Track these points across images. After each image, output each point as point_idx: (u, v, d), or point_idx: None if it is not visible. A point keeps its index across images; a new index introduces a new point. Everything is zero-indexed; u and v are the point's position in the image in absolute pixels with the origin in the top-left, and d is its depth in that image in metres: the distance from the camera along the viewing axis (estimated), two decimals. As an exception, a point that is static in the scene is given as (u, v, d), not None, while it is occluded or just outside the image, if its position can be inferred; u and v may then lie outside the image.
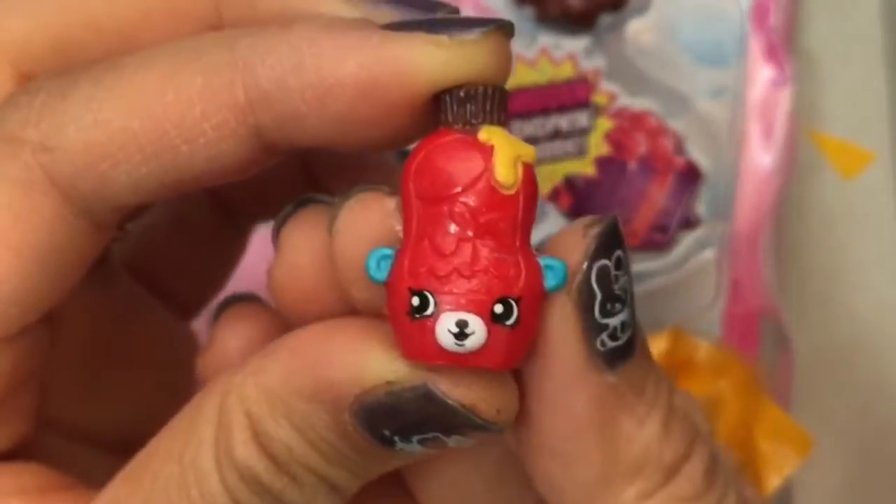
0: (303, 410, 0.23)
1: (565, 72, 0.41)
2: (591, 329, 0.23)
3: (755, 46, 0.43)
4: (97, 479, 0.26)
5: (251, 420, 0.24)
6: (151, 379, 0.31)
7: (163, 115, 0.23)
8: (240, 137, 0.24)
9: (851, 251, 0.45)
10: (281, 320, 0.26)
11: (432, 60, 0.22)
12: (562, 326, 0.23)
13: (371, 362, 0.23)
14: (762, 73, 0.43)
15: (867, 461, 0.45)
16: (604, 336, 0.23)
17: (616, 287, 0.23)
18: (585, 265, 0.23)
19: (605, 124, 0.42)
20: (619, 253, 0.23)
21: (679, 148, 0.42)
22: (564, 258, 0.23)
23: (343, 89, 0.22)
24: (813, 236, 0.45)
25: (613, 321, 0.23)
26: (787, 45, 0.44)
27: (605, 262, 0.23)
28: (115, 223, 0.26)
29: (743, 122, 0.44)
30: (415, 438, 0.23)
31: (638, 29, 0.43)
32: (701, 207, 0.42)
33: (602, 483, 0.24)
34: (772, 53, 0.43)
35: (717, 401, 0.41)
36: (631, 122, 0.42)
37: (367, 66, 0.22)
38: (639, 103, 0.42)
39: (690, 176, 0.42)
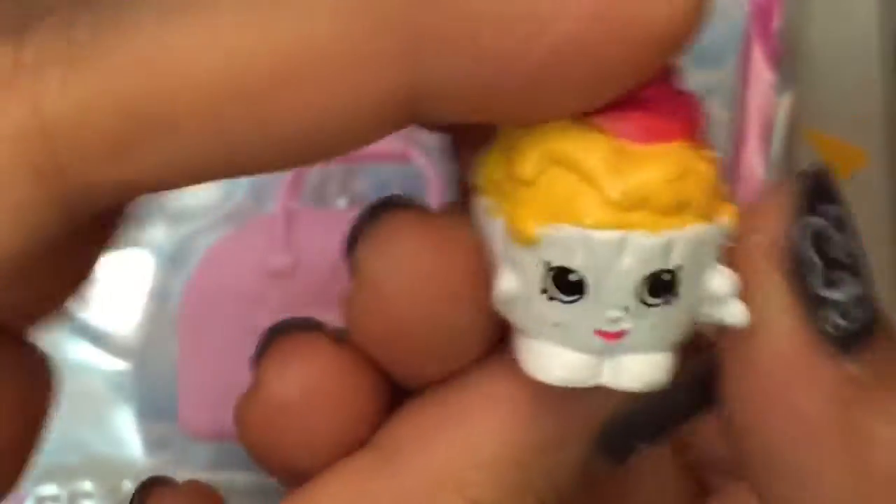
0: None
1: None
2: (814, 305, 0.18)
3: (757, 49, 0.44)
4: None
5: None
6: None
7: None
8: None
9: (844, 250, 0.46)
10: (354, 357, 0.21)
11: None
12: (773, 303, 0.19)
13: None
14: (763, 77, 0.43)
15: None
16: (832, 315, 0.18)
17: (839, 251, 0.19)
18: (793, 226, 0.19)
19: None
20: (836, 210, 0.19)
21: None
22: (766, 224, 0.19)
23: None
24: (807, 235, 0.45)
25: (842, 295, 0.19)
26: (790, 48, 0.44)
27: (817, 219, 0.19)
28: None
29: (741, 125, 0.44)
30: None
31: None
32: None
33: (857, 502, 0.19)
34: (774, 58, 0.44)
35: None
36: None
37: None
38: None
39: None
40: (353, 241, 0.20)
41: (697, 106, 0.19)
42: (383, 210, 0.19)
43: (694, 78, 0.43)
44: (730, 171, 0.43)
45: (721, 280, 0.19)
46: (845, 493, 0.19)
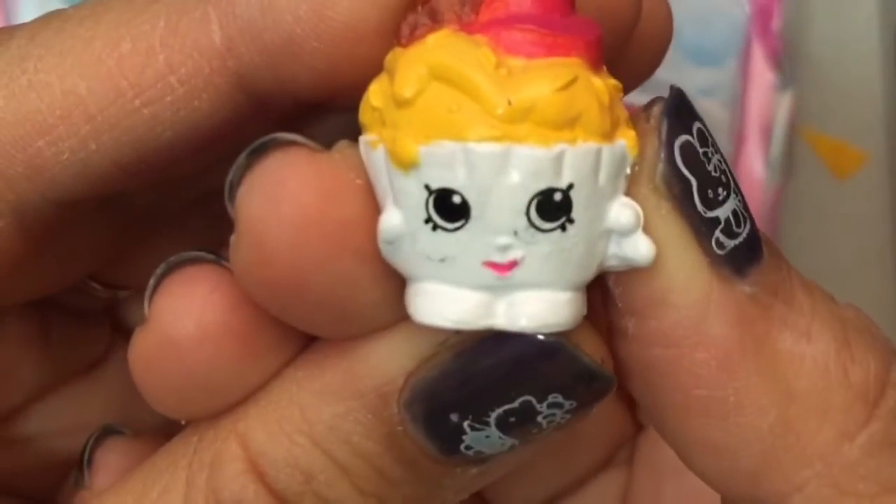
0: (331, 417, 0.17)
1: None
2: (699, 226, 0.17)
3: (757, 49, 0.44)
4: None
5: (246, 446, 0.18)
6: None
7: (117, 71, 0.18)
8: (217, 90, 0.18)
9: (845, 250, 0.46)
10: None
11: None
12: (665, 234, 0.17)
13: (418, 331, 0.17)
14: (764, 78, 0.44)
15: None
16: (717, 234, 0.17)
17: (710, 167, 0.17)
18: (663, 148, 0.17)
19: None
20: (698, 125, 0.17)
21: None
22: (641, 153, 0.17)
23: None
24: (807, 235, 0.45)
25: (722, 212, 0.17)
26: (790, 48, 0.44)
27: (685, 137, 0.17)
28: (55, 225, 0.20)
29: (741, 125, 0.44)
30: (493, 416, 0.17)
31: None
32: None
33: (781, 428, 0.17)
34: (774, 58, 0.44)
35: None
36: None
37: None
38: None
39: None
40: (234, 184, 0.17)
41: (595, 30, 0.17)
42: (265, 149, 0.17)
43: (694, 78, 0.43)
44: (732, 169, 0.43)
45: (624, 211, 0.17)
46: (769, 419, 0.17)
